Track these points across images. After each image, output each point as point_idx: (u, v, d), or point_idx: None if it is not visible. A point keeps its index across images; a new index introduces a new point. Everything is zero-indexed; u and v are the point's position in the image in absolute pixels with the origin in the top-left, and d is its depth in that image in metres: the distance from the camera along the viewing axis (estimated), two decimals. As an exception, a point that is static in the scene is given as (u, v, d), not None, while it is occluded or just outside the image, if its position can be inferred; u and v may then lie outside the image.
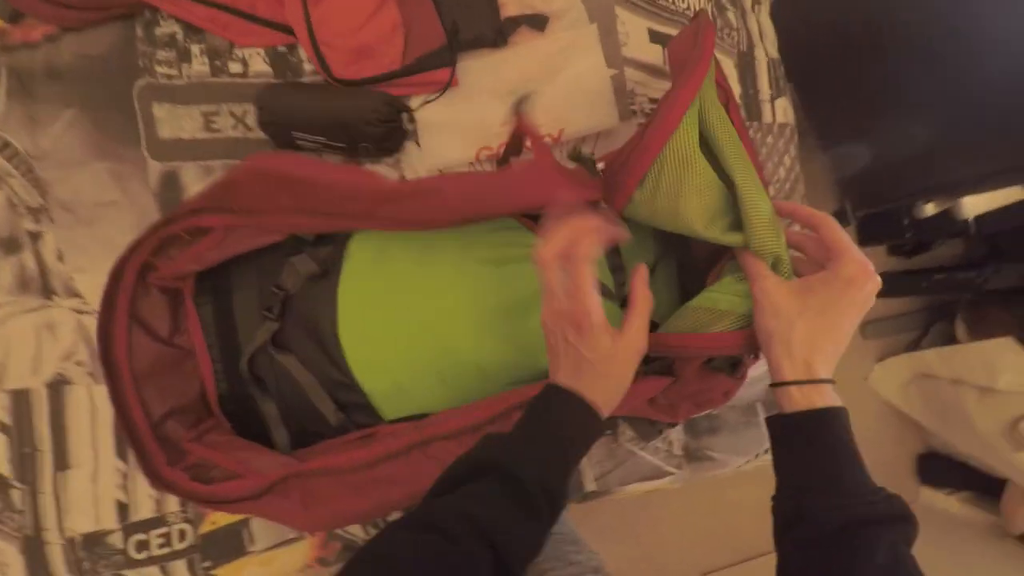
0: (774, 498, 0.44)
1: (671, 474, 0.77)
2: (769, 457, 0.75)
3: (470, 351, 0.59)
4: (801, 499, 0.41)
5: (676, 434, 0.75)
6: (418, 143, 0.67)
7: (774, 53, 0.79)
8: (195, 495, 0.53)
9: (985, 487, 1.47)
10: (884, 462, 1.63)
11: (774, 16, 0.85)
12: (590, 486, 0.74)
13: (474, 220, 0.52)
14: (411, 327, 0.59)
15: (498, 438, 0.44)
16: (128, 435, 0.54)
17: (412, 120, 0.65)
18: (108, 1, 0.59)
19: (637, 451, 0.75)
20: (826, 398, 0.43)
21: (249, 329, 0.60)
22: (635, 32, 0.73)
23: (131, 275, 0.55)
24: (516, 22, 0.69)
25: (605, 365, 0.44)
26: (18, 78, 0.61)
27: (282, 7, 0.63)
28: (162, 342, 0.58)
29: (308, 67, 0.65)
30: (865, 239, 1.51)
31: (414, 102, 0.66)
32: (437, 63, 0.66)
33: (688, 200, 0.47)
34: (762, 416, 0.80)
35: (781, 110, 0.78)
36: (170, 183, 0.63)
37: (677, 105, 0.45)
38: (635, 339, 0.46)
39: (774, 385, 0.46)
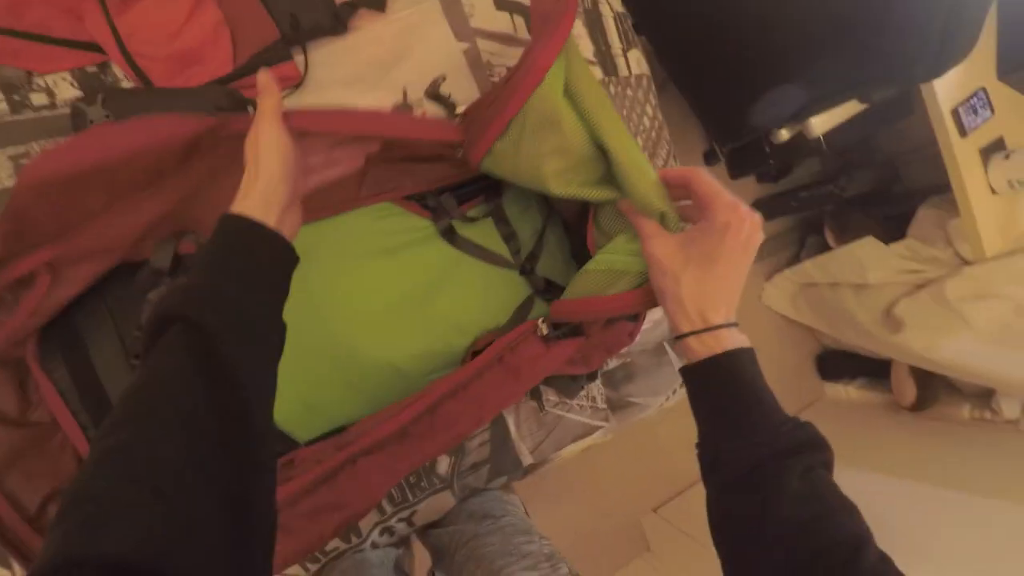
0: (697, 446, 0.45)
1: (600, 427, 0.79)
2: (679, 398, 0.79)
3: (378, 351, 0.57)
4: (716, 445, 0.42)
5: (597, 389, 0.77)
6: (274, 149, 0.62)
7: (618, 7, 0.80)
8: None
9: (875, 371, 1.66)
10: (788, 368, 1.78)
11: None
12: (527, 460, 0.74)
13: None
14: (306, 340, 0.55)
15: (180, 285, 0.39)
16: (3, 541, 0.48)
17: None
18: None
19: (564, 414, 0.76)
20: (724, 342, 0.43)
21: (117, 382, 0.53)
22: (480, 2, 0.72)
23: None
24: (353, 6, 0.66)
25: (251, 150, 0.44)
26: None
27: (81, 22, 0.56)
28: (14, 424, 0.51)
29: (128, 84, 0.58)
30: (735, 171, 1.62)
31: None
32: (275, 58, 0.62)
33: (551, 158, 0.47)
34: (671, 355, 0.84)
35: (635, 61, 0.80)
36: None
37: (541, 58, 0.43)
38: (258, 119, 0.45)
39: (677, 339, 0.46)
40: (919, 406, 1.51)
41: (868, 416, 1.64)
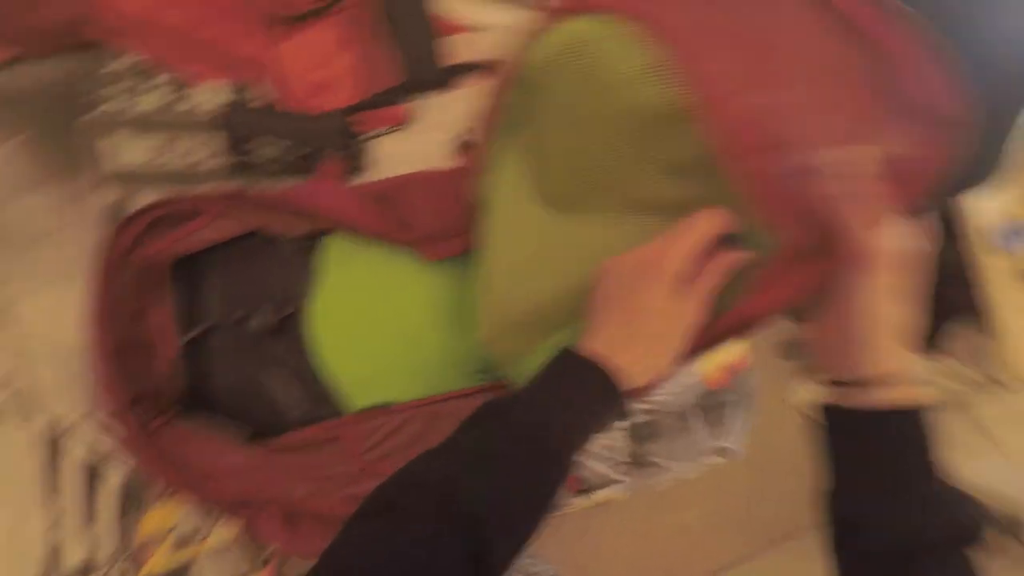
0: (830, 495, 0.41)
1: (619, 482, 0.81)
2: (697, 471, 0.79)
3: (438, 338, 0.62)
4: (860, 506, 0.38)
5: (620, 440, 0.80)
6: (371, 175, 0.72)
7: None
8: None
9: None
10: (814, 475, 1.73)
11: None
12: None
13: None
14: (379, 316, 0.62)
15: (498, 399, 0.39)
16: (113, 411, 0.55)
17: (367, 145, 0.70)
18: (69, 32, 0.61)
19: (584, 460, 0.79)
20: (914, 395, 0.37)
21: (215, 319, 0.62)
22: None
23: (121, 249, 0.57)
24: (462, 69, 0.77)
25: (658, 321, 0.39)
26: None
27: (246, 42, 0.67)
28: (126, 326, 0.59)
29: (269, 101, 0.69)
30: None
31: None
32: (391, 100, 0.72)
33: None
34: (697, 423, 0.86)
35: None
36: (116, 212, 0.64)
37: None
38: (699, 305, 0.40)
39: (864, 383, 0.38)
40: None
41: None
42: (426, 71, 0.75)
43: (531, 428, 0.36)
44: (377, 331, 0.63)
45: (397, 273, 0.64)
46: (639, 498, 1.49)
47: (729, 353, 0.84)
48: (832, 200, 0.37)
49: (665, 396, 0.81)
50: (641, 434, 0.81)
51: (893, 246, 0.37)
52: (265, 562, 0.62)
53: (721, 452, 0.89)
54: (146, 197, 0.64)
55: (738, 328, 0.44)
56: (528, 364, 0.53)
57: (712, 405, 0.85)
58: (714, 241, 0.41)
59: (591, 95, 0.46)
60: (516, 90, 0.53)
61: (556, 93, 0.48)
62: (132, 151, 0.64)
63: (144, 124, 0.65)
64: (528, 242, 0.54)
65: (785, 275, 0.40)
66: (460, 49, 0.76)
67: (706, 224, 0.41)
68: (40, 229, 0.61)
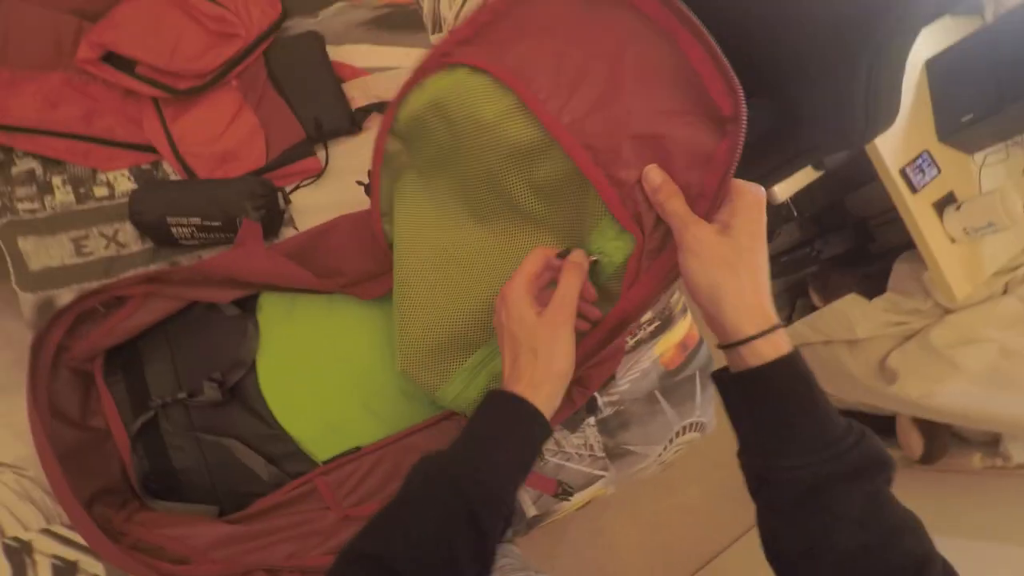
0: (740, 455, 0.43)
1: (601, 476, 0.82)
2: (676, 450, 0.81)
3: (389, 376, 0.63)
4: (766, 459, 0.40)
5: (594, 437, 0.81)
6: (295, 227, 0.72)
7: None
8: (161, 571, 0.54)
9: (880, 428, 1.65)
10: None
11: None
12: (531, 511, 0.77)
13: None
14: (328, 365, 0.63)
15: (435, 455, 0.44)
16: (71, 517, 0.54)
17: (287, 200, 0.71)
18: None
19: (564, 463, 0.80)
20: (783, 345, 0.39)
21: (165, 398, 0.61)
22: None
23: (47, 357, 0.56)
24: (366, 110, 0.78)
25: (531, 339, 0.45)
26: None
27: (140, 128, 0.68)
28: (76, 426, 0.58)
29: (175, 177, 0.69)
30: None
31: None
32: (301, 154, 0.73)
33: None
34: (664, 404, 0.88)
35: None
36: (46, 312, 0.63)
37: None
38: (554, 311, 0.46)
39: (731, 345, 0.40)
40: (928, 459, 1.49)
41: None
42: (336, 118, 0.76)
43: (447, 473, 0.42)
44: (327, 380, 0.63)
45: (337, 319, 0.65)
46: (640, 489, 1.50)
47: (676, 332, 0.86)
48: (656, 200, 0.44)
49: (625, 384, 0.82)
50: (610, 426, 0.82)
51: (710, 227, 0.41)
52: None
53: (695, 427, 0.91)
54: (70, 293, 0.63)
55: (621, 324, 0.50)
56: (450, 390, 0.57)
57: (674, 385, 0.87)
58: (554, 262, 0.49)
59: (468, 134, 0.52)
60: (394, 139, 0.58)
61: (436, 134, 0.55)
62: (50, 250, 0.64)
63: (57, 222, 0.65)
64: (432, 269, 0.58)
65: (647, 270, 0.47)
66: (359, 92, 0.78)
67: (538, 252, 0.49)
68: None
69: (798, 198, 1.40)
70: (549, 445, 0.79)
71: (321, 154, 0.75)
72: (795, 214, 1.41)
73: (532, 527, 0.79)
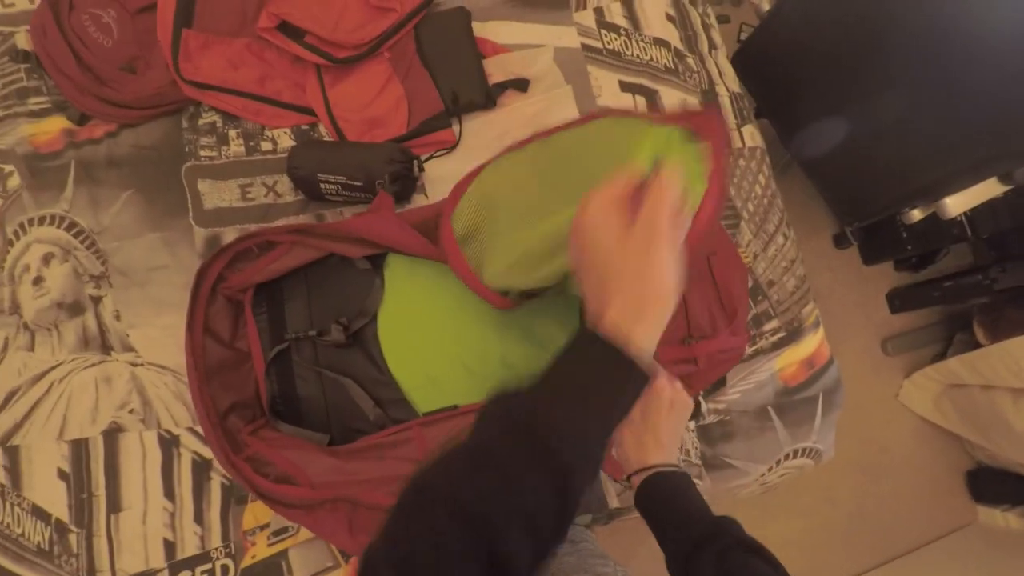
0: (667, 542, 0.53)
1: (693, 485, 0.78)
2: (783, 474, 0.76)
3: (494, 343, 0.66)
4: (666, 545, 0.52)
5: (691, 442, 0.78)
6: (426, 194, 0.76)
7: (735, 88, 0.88)
8: (257, 487, 0.60)
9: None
10: (933, 480, 1.55)
11: (734, 61, 0.96)
12: (613, 502, 0.75)
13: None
14: (438, 325, 0.67)
15: (515, 398, 0.38)
16: (202, 424, 0.62)
17: (421, 168, 0.75)
18: (160, 100, 0.71)
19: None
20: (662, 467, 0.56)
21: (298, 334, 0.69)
22: (607, 84, 0.83)
23: (208, 285, 0.65)
24: (503, 86, 0.80)
25: (620, 260, 0.38)
26: (83, 168, 0.73)
27: (304, 92, 0.75)
28: (225, 345, 0.67)
29: (328, 140, 0.76)
30: (868, 257, 1.54)
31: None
32: (438, 126, 0.77)
33: None
34: (776, 422, 0.81)
35: (749, 135, 0.86)
36: (212, 245, 0.72)
37: None
38: (647, 220, 0.38)
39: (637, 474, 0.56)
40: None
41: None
42: (473, 92, 0.79)
43: (534, 427, 0.36)
44: (435, 338, 0.67)
45: (451, 287, 0.67)
46: (736, 508, 1.41)
47: (804, 347, 0.79)
48: None
49: (735, 394, 0.77)
50: (712, 435, 0.78)
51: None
52: (348, 558, 0.67)
53: (808, 453, 0.83)
54: (233, 232, 0.72)
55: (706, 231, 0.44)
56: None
57: (792, 403, 0.80)
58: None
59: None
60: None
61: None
62: (222, 193, 0.73)
63: (229, 169, 0.74)
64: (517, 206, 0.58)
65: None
66: (497, 69, 0.79)
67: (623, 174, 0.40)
68: (154, 264, 0.71)
69: (976, 215, 1.21)
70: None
71: (456, 127, 0.78)
72: (969, 233, 1.22)
73: (613, 518, 0.77)
